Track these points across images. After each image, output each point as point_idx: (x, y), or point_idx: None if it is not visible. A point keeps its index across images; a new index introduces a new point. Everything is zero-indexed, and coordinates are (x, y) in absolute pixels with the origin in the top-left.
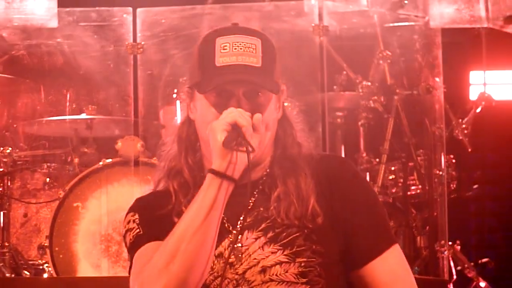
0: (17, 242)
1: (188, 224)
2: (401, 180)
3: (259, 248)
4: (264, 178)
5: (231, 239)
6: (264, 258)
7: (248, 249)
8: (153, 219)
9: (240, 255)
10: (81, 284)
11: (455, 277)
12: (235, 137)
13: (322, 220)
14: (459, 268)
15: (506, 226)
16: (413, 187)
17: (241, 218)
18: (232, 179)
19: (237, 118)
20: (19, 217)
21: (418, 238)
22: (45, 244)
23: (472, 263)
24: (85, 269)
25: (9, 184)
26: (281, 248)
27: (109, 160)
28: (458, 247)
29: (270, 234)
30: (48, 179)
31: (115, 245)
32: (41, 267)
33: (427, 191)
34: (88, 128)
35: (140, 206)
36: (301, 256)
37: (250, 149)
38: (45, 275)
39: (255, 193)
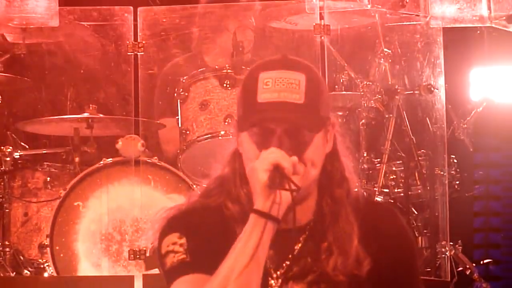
0: (18, 241)
1: (233, 266)
2: (402, 180)
3: None
4: (311, 223)
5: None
6: None
7: None
8: (202, 248)
9: None
10: (82, 283)
11: (456, 278)
12: (278, 177)
13: (370, 267)
14: (460, 269)
15: (509, 226)
16: (414, 187)
17: (285, 265)
18: (276, 219)
19: (280, 159)
20: (20, 216)
21: (420, 238)
22: (46, 243)
23: (474, 264)
24: (85, 268)
25: (9, 183)
26: None
27: (109, 160)
28: (460, 248)
29: None
30: (48, 178)
31: (116, 245)
32: (41, 266)
33: (429, 191)
34: (88, 127)
35: (187, 229)
36: None
37: (294, 187)
38: (46, 274)
39: (301, 239)
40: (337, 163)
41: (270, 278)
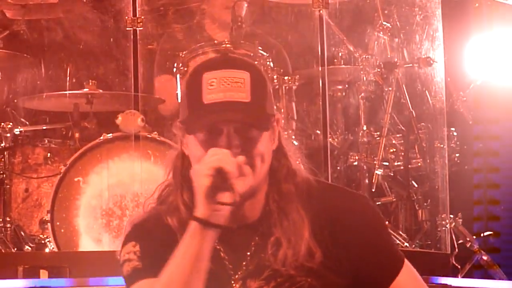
0: (19, 217)
1: (173, 273)
2: (402, 153)
3: None
4: (263, 219)
5: (234, 286)
6: None
7: None
8: (153, 254)
9: None
10: (83, 259)
11: (456, 250)
12: (220, 181)
13: (322, 259)
14: (460, 241)
15: (508, 198)
16: (414, 160)
17: (244, 264)
18: (217, 226)
19: (223, 163)
20: (21, 192)
21: (420, 211)
22: (47, 219)
23: (474, 236)
24: (86, 244)
25: (10, 159)
26: None
27: (109, 135)
28: (460, 220)
29: (272, 284)
30: (49, 154)
31: (116, 220)
32: (42, 241)
33: (428, 164)
34: (88, 103)
35: (141, 237)
36: None
37: (236, 198)
38: (47, 250)
39: (256, 237)
40: (284, 159)
41: (231, 280)
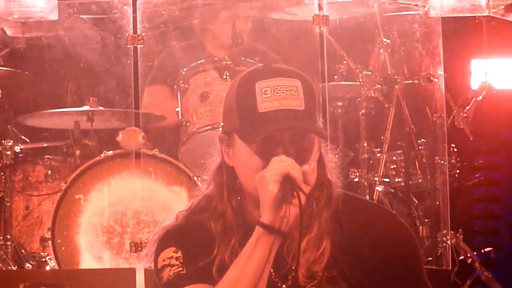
0: (20, 235)
1: (235, 279)
2: (403, 170)
3: None
4: (296, 226)
5: None
6: None
7: None
8: (197, 260)
9: None
10: (83, 276)
11: (457, 266)
12: (289, 189)
13: (345, 272)
14: (461, 257)
15: (508, 213)
16: (414, 177)
17: (289, 277)
18: (281, 233)
19: (290, 169)
20: (21, 210)
21: (420, 227)
22: (47, 236)
23: (475, 253)
24: (87, 261)
25: (10, 177)
26: None
27: (110, 152)
28: (461, 237)
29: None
30: (49, 172)
31: (117, 237)
32: (43, 259)
33: (429, 181)
34: (89, 120)
35: (182, 243)
36: None
37: (303, 199)
38: (48, 267)
39: (292, 243)
40: (322, 168)
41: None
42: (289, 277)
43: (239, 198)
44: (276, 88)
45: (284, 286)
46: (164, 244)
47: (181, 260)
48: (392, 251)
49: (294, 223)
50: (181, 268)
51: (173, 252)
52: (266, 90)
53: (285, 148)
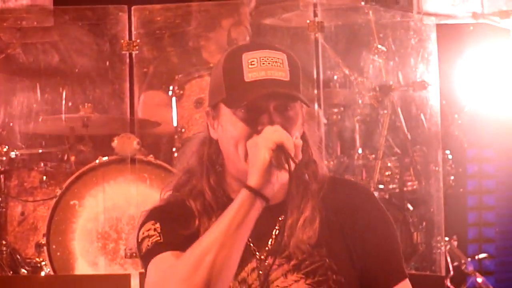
0: (15, 240)
1: (216, 237)
2: (397, 176)
3: (282, 275)
4: (286, 202)
5: (257, 263)
6: (287, 287)
7: (271, 276)
8: (175, 231)
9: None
10: (79, 282)
11: (452, 273)
12: (280, 158)
13: (329, 251)
14: (456, 263)
15: (503, 221)
16: (409, 183)
17: (269, 243)
18: (266, 198)
19: (285, 139)
20: (16, 216)
21: (415, 234)
22: (42, 242)
23: (469, 259)
24: (82, 267)
25: (6, 182)
26: (303, 277)
27: (105, 158)
28: (455, 243)
29: (293, 262)
30: (44, 177)
31: (112, 243)
32: (38, 265)
33: (423, 187)
34: (84, 126)
35: (160, 217)
36: (323, 286)
37: (292, 170)
38: (43, 273)
39: (280, 219)
40: (306, 145)
41: (254, 258)
42: (267, 248)
43: (220, 172)
44: (262, 59)
45: (258, 253)
46: (145, 220)
47: (159, 231)
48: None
49: (283, 195)
50: (158, 238)
51: (152, 224)
52: (253, 61)
53: (270, 116)
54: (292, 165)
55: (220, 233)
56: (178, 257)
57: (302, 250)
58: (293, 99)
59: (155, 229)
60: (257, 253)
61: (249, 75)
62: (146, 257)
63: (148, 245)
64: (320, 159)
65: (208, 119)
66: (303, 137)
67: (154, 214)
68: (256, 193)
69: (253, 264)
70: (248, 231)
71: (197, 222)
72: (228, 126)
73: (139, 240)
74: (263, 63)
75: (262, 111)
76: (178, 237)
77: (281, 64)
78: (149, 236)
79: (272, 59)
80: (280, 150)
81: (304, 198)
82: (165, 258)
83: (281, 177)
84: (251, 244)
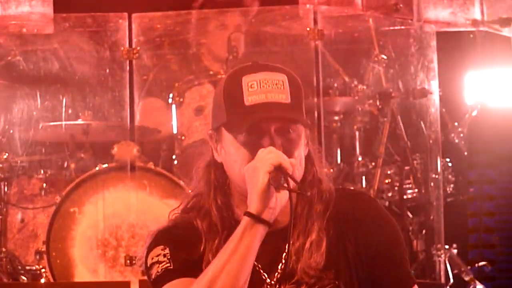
0: (14, 248)
1: (221, 267)
2: (397, 184)
3: None
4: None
5: None
6: None
7: None
8: (184, 256)
9: None
10: None
11: (451, 280)
12: (279, 179)
13: (337, 272)
14: (455, 271)
15: (503, 228)
16: (409, 191)
17: (279, 268)
18: (268, 223)
19: (282, 160)
20: (16, 223)
21: (415, 242)
22: (42, 249)
23: (469, 267)
24: (82, 274)
25: (6, 189)
26: None
27: (105, 165)
28: (455, 251)
29: (303, 287)
30: (44, 185)
31: (112, 250)
32: (38, 272)
33: (424, 195)
34: (84, 134)
35: (168, 240)
36: None
37: (296, 189)
38: (43, 280)
39: (287, 242)
40: (310, 165)
41: (263, 283)
42: (277, 272)
43: (227, 194)
44: (262, 82)
45: (269, 279)
46: (153, 244)
47: (169, 257)
48: (374, 234)
49: (286, 218)
50: (168, 264)
51: (161, 250)
52: (253, 84)
53: (271, 140)
54: (292, 184)
55: (225, 261)
56: (188, 284)
57: (310, 275)
58: (294, 122)
59: (164, 255)
60: (268, 279)
61: (249, 99)
62: (156, 283)
63: (158, 271)
64: (325, 177)
65: (212, 142)
66: (308, 156)
67: (163, 238)
68: (257, 219)
69: None
70: (253, 257)
71: (203, 243)
72: (231, 150)
73: (148, 265)
74: (263, 86)
75: (263, 135)
76: (187, 263)
77: (282, 86)
78: (159, 262)
79: (272, 81)
80: (278, 171)
81: (310, 220)
82: (176, 286)
83: (282, 199)
84: (261, 270)
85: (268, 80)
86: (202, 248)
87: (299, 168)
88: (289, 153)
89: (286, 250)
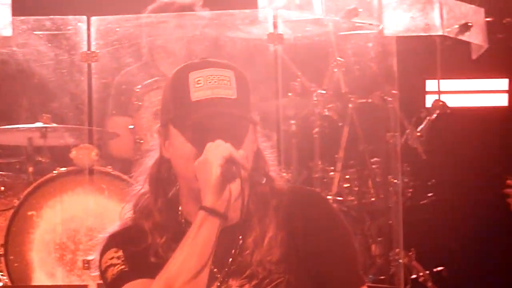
0: None
1: (181, 263)
2: (356, 188)
3: None
4: (244, 220)
5: (218, 285)
6: None
7: None
8: (137, 256)
9: None
10: None
11: (410, 285)
12: (231, 170)
13: (293, 260)
14: (414, 276)
15: (461, 233)
16: (368, 195)
17: (227, 265)
18: (224, 216)
19: (232, 151)
20: None
21: (373, 246)
22: (0, 253)
23: (427, 271)
24: (40, 278)
25: None
26: None
27: (63, 169)
28: (413, 255)
29: (254, 282)
30: (2, 188)
31: (70, 254)
32: None
33: (382, 199)
34: (42, 137)
35: (120, 242)
36: None
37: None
38: (0, 284)
39: (239, 238)
40: (262, 161)
41: (214, 279)
42: (228, 266)
43: (175, 191)
44: (209, 78)
45: (219, 275)
46: (106, 247)
47: (123, 259)
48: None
49: (238, 215)
50: (123, 266)
51: (114, 252)
52: (199, 80)
53: (217, 135)
54: (244, 173)
55: (184, 258)
56: (146, 284)
57: (266, 269)
58: (239, 117)
59: (118, 257)
60: (218, 275)
61: (195, 95)
62: (112, 286)
63: (113, 274)
64: (277, 175)
65: (160, 138)
66: (258, 153)
67: (115, 240)
68: (213, 212)
69: (214, 286)
70: (212, 251)
71: (149, 240)
72: (177, 146)
73: (103, 269)
74: (209, 82)
75: (208, 130)
76: (142, 264)
77: (228, 82)
78: (113, 265)
79: (218, 77)
80: (229, 163)
81: (263, 215)
82: (134, 287)
83: (235, 190)
84: (212, 266)
85: (214, 76)
86: (147, 246)
87: (248, 162)
88: (235, 148)
89: (236, 246)
